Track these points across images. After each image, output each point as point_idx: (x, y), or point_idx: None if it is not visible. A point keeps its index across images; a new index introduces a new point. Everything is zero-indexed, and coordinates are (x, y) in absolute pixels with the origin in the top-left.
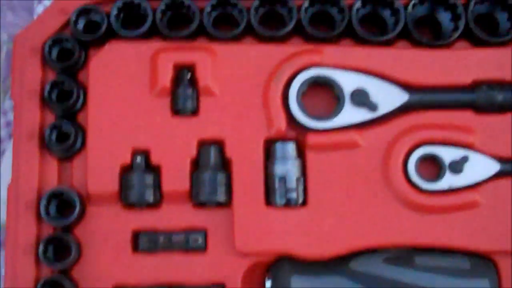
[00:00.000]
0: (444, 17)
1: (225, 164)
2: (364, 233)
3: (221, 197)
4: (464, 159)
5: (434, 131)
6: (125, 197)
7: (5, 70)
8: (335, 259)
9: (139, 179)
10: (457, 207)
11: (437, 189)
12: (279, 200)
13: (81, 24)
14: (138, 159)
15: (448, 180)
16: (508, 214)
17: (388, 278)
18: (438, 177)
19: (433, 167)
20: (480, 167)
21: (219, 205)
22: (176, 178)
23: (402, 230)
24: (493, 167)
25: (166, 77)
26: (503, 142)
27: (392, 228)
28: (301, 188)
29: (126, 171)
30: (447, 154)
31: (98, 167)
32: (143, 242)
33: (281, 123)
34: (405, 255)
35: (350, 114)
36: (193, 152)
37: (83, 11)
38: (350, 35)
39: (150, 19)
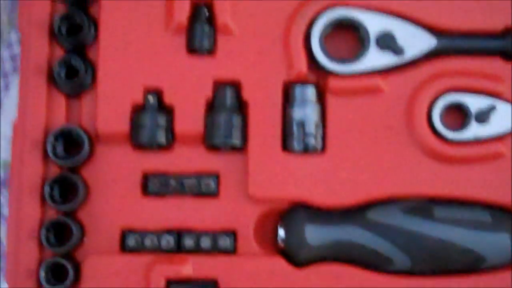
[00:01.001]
0: None
1: (241, 107)
2: (384, 183)
3: (236, 140)
4: (491, 109)
5: (461, 78)
6: (136, 137)
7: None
8: (352, 208)
9: (150, 119)
10: (481, 158)
11: (462, 138)
12: (296, 145)
13: None
14: (151, 98)
15: (474, 130)
16: None
17: (406, 229)
18: (463, 127)
19: (458, 116)
20: (507, 117)
21: (234, 149)
22: (189, 120)
23: (423, 180)
24: None
25: (182, 14)
26: None
27: (413, 177)
28: (320, 133)
29: (137, 110)
30: (474, 103)
31: (108, 106)
32: (153, 185)
33: (301, 65)
34: (424, 206)
35: (375, 58)
36: (209, 93)
37: None
38: None
39: None
